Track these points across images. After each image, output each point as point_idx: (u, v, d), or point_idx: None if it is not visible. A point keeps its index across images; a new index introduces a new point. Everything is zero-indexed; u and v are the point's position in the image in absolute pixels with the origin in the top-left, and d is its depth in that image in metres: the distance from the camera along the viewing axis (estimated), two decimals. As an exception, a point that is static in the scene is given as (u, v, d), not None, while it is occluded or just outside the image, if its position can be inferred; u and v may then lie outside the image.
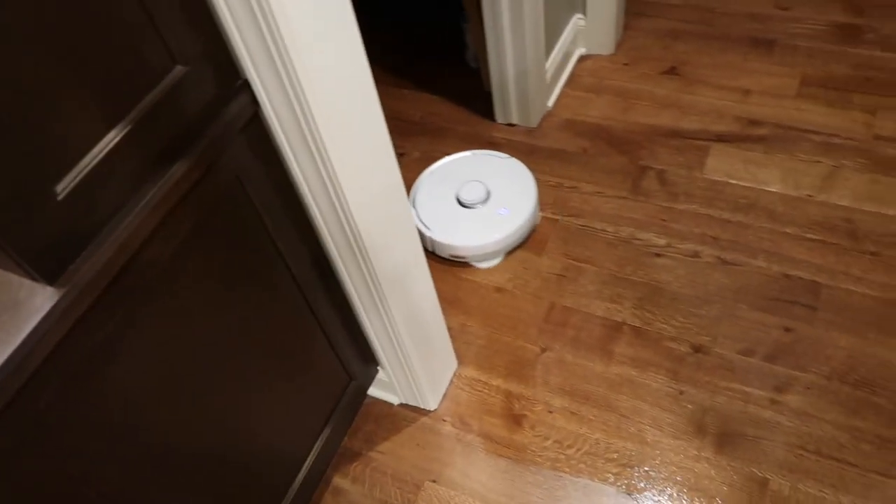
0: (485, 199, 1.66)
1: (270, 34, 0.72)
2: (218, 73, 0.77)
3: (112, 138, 0.68)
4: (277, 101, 0.81)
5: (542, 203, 1.73)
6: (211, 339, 0.90)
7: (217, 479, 0.99)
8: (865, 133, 1.72)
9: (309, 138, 0.84)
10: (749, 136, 1.77)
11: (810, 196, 1.62)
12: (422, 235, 1.65)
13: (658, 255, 1.59)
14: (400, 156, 1.94)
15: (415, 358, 1.28)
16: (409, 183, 1.84)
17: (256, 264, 0.96)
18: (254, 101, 0.82)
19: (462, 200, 1.66)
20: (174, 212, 0.76)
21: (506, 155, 1.77)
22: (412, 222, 1.12)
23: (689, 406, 1.35)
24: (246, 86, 0.80)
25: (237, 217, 0.89)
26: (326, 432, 1.26)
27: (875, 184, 1.61)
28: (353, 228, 0.98)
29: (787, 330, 1.42)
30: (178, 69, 0.72)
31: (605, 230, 1.66)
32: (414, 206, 1.71)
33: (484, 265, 1.65)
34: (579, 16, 2.00)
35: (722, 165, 1.72)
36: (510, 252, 1.65)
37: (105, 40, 0.64)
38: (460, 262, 1.66)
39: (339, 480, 1.35)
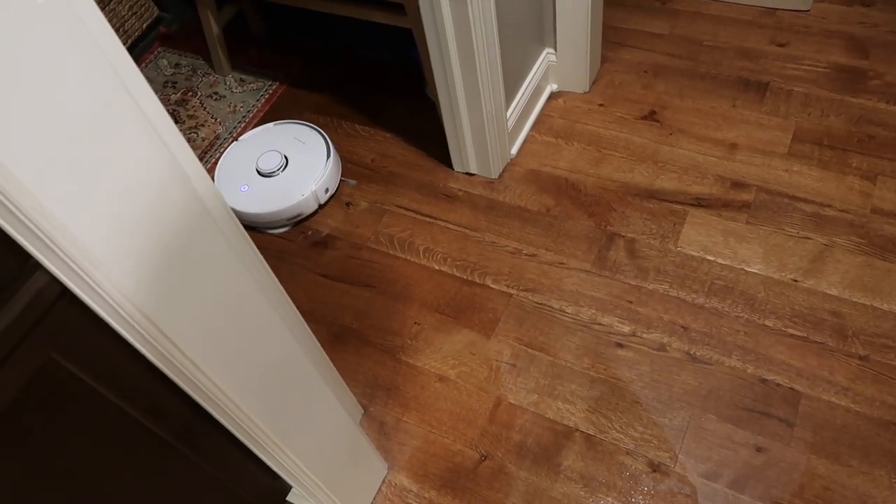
0: (282, 169, 1.72)
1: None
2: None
3: None
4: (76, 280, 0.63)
5: (498, 273, 1.55)
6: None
7: None
8: (862, 204, 1.52)
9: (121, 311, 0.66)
10: (732, 201, 1.58)
11: (796, 281, 1.43)
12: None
13: (620, 345, 1.41)
14: (346, 205, 1.75)
15: (328, 484, 1.12)
16: (358, 234, 1.66)
17: (109, 433, 0.79)
18: (53, 281, 0.64)
19: (259, 169, 1.72)
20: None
21: (317, 127, 1.81)
22: (300, 359, 0.94)
23: (642, 540, 1.19)
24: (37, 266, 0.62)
25: (64, 394, 0.71)
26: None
27: (869, 269, 1.43)
28: (207, 388, 0.80)
29: (759, 450, 1.25)
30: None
31: (563, 311, 1.47)
32: (218, 171, 1.77)
33: (273, 232, 1.73)
34: (550, 50, 1.79)
35: (699, 237, 1.53)
36: (457, 330, 1.48)
37: None
38: (253, 230, 1.73)
39: None
